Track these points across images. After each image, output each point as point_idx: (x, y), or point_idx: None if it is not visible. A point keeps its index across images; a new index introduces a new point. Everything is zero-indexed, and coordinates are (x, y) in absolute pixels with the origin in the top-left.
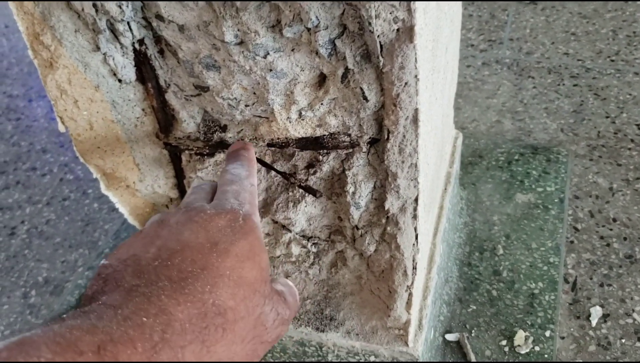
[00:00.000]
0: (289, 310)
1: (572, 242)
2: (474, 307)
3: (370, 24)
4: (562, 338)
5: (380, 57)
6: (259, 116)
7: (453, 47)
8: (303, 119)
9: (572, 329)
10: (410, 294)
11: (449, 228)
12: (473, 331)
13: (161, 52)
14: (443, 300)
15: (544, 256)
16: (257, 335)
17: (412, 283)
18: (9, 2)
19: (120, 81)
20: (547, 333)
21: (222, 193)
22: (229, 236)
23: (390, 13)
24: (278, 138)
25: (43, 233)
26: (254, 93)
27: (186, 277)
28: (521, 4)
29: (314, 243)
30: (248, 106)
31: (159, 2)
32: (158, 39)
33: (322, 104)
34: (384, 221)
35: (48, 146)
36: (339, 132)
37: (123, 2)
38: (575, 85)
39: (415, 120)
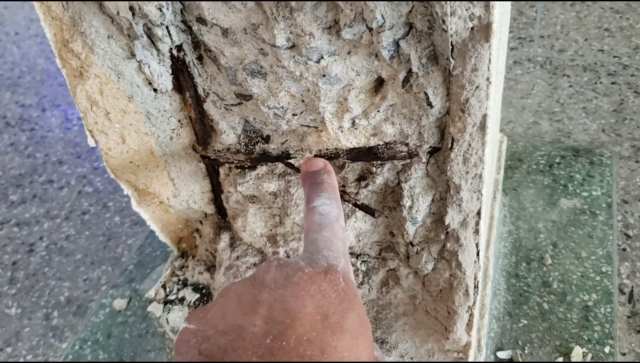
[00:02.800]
0: None
1: (624, 250)
2: (525, 322)
3: (444, 22)
4: (623, 354)
5: (451, 59)
6: (307, 126)
7: (505, 46)
8: (356, 128)
9: (633, 345)
10: (471, 314)
11: (496, 238)
12: (526, 347)
13: (200, 58)
14: (492, 314)
15: (596, 266)
16: None
17: (474, 303)
18: (36, 8)
19: (155, 90)
20: (607, 349)
21: (312, 243)
22: (336, 305)
23: (467, 10)
24: (327, 149)
25: (63, 249)
26: (303, 101)
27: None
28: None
29: (363, 261)
30: (295, 115)
31: (202, 4)
32: (197, 45)
33: (378, 111)
34: (442, 236)
35: (64, 158)
36: (395, 141)
37: (163, 5)
38: (613, 83)
39: (483, 127)
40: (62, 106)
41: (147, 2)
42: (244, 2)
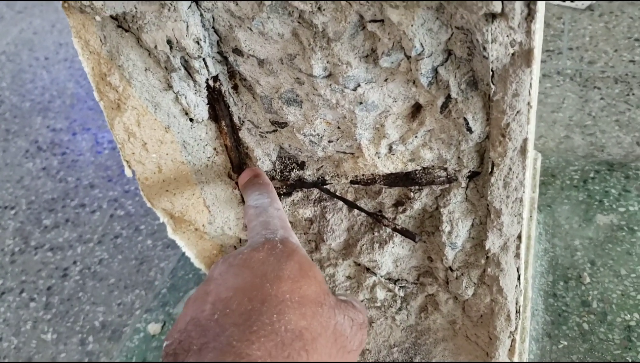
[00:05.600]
0: (361, 313)
1: None
2: (565, 343)
3: (485, 48)
4: None
5: (492, 85)
6: (343, 152)
7: (539, 65)
8: (393, 154)
9: None
10: (513, 340)
11: (533, 257)
12: None
13: (235, 87)
14: (531, 335)
15: (636, 284)
16: (341, 347)
17: (516, 328)
18: (75, 43)
19: (192, 120)
20: None
21: (251, 230)
22: (274, 264)
23: (507, 36)
24: (363, 175)
25: (96, 273)
26: (339, 128)
27: (249, 316)
28: (576, 11)
29: (401, 286)
30: (332, 141)
31: (239, 36)
32: (232, 75)
33: (415, 136)
34: (482, 261)
35: (96, 181)
36: (433, 166)
37: (201, 38)
38: None
39: (523, 151)
40: (92, 130)
41: (185, 36)
42: (280, 33)
